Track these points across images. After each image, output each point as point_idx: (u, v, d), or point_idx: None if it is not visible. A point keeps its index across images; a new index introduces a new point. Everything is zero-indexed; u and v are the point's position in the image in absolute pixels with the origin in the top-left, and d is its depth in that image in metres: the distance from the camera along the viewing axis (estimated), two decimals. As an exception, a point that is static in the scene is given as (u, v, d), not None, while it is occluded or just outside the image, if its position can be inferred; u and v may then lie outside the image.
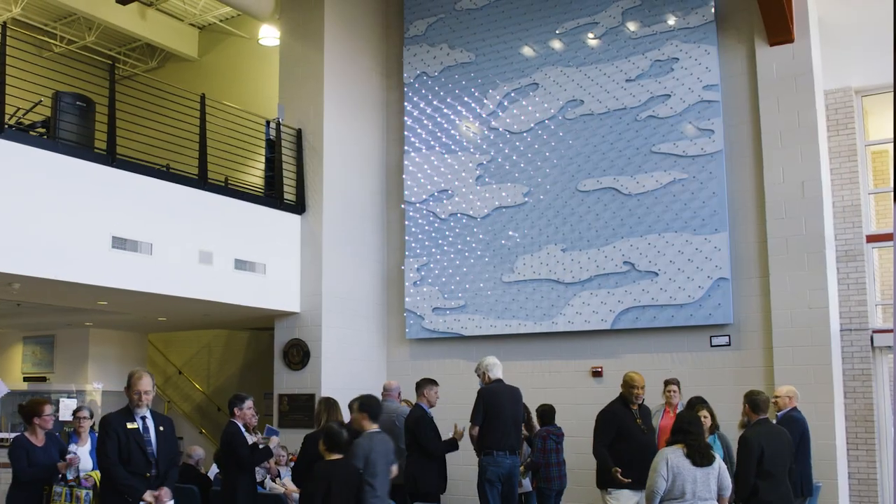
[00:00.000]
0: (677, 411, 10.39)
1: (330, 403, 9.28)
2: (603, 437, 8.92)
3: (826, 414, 11.18)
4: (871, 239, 12.69)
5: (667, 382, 11.00)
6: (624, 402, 9.10)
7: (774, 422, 9.23)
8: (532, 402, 11.21)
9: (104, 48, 20.20)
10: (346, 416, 9.30)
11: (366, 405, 8.34)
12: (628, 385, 9.09)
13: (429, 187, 14.51)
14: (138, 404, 7.27)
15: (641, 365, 12.15)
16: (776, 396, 9.95)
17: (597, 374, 12.87)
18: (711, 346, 12.18)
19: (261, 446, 9.30)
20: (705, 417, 9.76)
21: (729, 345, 12.07)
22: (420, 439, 9.84)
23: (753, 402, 8.42)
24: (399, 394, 11.05)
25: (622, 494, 8.72)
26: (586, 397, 12.44)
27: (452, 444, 10.06)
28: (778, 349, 11.60)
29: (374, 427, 8.19)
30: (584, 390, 12.81)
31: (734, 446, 10.01)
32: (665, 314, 12.35)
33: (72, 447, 9.42)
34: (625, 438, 8.85)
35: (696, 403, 10.24)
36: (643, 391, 9.11)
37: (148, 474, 7.17)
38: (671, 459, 6.87)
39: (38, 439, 8.92)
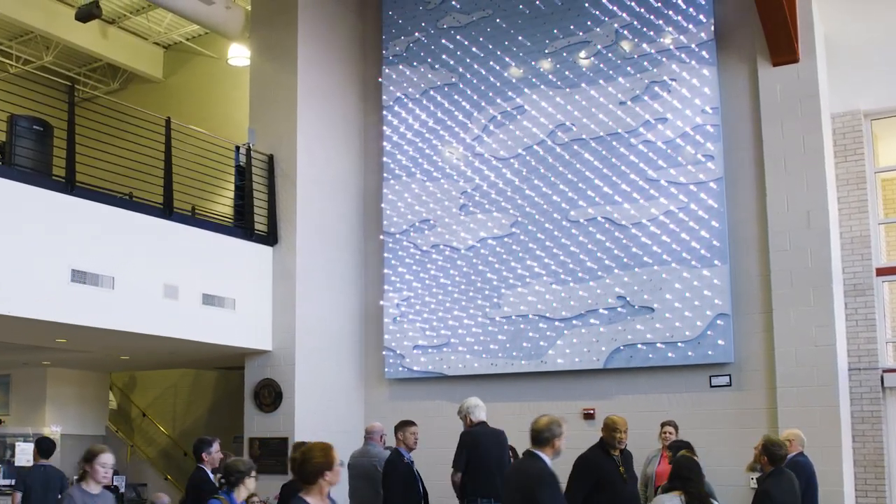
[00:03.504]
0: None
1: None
2: (578, 488, 8.63)
3: (833, 458, 11.19)
4: (882, 272, 12.77)
5: (663, 424, 11.00)
6: (604, 449, 8.88)
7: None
8: (520, 446, 11.17)
9: (63, 69, 20.29)
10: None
11: (37, 443, 11.77)
12: (610, 429, 8.77)
13: (409, 217, 14.55)
14: None
15: (636, 406, 12.19)
16: (778, 441, 9.96)
17: (588, 416, 12.85)
18: (711, 386, 12.20)
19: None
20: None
21: (729, 385, 12.10)
22: (386, 485, 9.87)
23: (772, 454, 8.39)
24: (382, 437, 11.06)
25: None
26: (578, 441, 12.22)
27: None
28: (782, 390, 11.64)
29: (42, 461, 11.53)
30: (576, 433, 12.64)
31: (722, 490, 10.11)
32: (661, 352, 12.38)
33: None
34: (604, 489, 8.57)
35: (684, 448, 10.09)
36: (627, 435, 8.92)
37: None
38: (667, 508, 6.89)
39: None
